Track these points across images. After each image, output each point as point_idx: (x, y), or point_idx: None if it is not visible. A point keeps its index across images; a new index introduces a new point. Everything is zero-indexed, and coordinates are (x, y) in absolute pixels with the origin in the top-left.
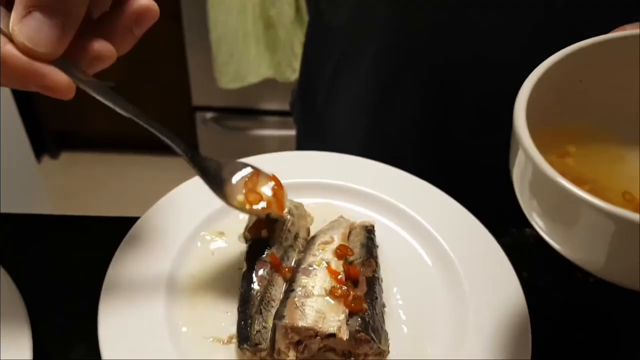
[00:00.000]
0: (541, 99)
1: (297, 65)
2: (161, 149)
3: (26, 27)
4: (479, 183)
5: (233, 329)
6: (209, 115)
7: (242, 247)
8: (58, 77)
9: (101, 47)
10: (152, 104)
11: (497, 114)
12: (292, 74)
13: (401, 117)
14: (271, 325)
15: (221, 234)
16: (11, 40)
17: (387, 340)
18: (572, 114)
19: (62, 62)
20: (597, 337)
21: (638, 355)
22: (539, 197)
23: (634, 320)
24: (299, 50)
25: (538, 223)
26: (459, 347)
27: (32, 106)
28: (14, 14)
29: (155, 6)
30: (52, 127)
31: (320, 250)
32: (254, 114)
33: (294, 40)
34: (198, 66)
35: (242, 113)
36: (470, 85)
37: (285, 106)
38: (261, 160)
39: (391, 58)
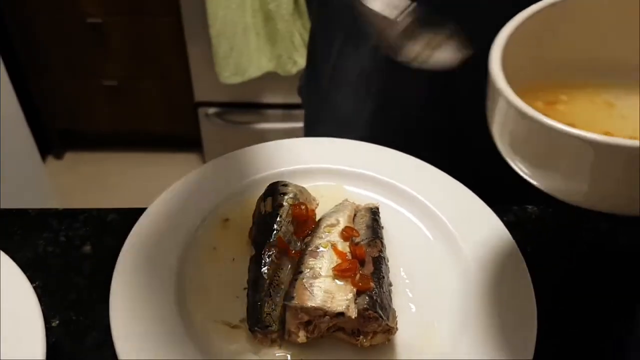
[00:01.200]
0: (520, 52)
1: (297, 57)
2: (165, 146)
3: None
4: (484, 162)
5: (243, 313)
6: (211, 110)
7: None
8: None
9: None
10: (155, 101)
11: None
12: (293, 66)
13: (407, 97)
14: (280, 307)
15: (226, 220)
16: None
17: (394, 317)
18: (553, 67)
19: None
20: (601, 307)
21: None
22: (521, 140)
23: (635, 292)
24: (299, 42)
25: (522, 166)
26: (465, 323)
27: (35, 106)
28: None
29: None
30: (56, 127)
31: (327, 233)
32: (256, 108)
33: (294, 33)
34: (199, 62)
35: (245, 107)
36: (481, 60)
37: (287, 99)
38: (265, 148)
39: None
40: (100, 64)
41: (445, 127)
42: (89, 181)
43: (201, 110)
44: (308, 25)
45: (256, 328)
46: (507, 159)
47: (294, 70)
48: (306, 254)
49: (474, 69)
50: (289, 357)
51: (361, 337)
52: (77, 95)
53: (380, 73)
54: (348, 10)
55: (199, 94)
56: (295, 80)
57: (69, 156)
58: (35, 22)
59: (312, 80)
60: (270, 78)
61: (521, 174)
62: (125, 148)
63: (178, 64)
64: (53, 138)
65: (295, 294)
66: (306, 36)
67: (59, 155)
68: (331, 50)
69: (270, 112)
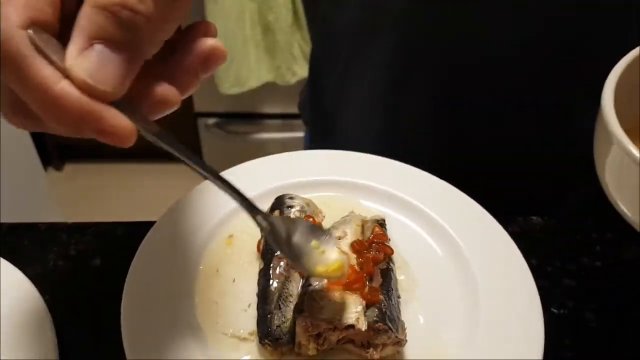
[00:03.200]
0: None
1: (297, 68)
2: (165, 157)
3: (87, 62)
4: (489, 175)
5: (252, 326)
6: (211, 121)
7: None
8: (119, 120)
9: (166, 90)
10: None
11: (510, 108)
12: (293, 77)
13: (414, 113)
14: (290, 320)
15: (231, 237)
16: (66, 77)
17: (404, 329)
18: None
19: (123, 103)
20: (607, 320)
21: None
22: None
23: None
24: (298, 53)
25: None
26: (473, 335)
27: None
28: (71, 47)
29: (222, 47)
30: (55, 139)
31: None
32: (256, 118)
33: (293, 44)
34: None
35: (244, 118)
36: (485, 78)
37: (287, 109)
38: (270, 161)
39: (403, 54)
40: None
41: (454, 141)
42: (89, 192)
43: (201, 121)
44: (307, 36)
45: (266, 340)
46: (614, 201)
47: (293, 80)
48: None
49: (485, 81)
50: None
51: (371, 349)
52: None
53: (389, 87)
54: (352, 36)
55: (199, 105)
56: (295, 91)
57: (69, 167)
58: None
59: (315, 99)
60: (269, 88)
61: (626, 217)
62: (124, 159)
63: None
64: (52, 149)
65: (305, 307)
66: (305, 47)
67: (58, 167)
68: (335, 73)
69: (270, 122)
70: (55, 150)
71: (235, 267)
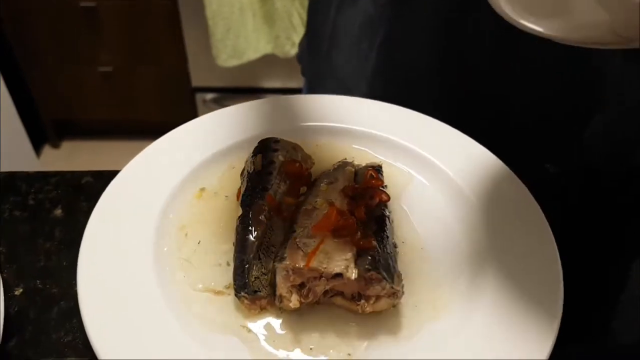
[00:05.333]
0: None
1: (296, 38)
2: (163, 134)
3: None
4: (494, 118)
5: (228, 280)
6: (209, 96)
7: (235, 193)
8: None
9: None
10: (152, 87)
11: (514, 43)
12: (292, 48)
13: (412, 44)
14: (271, 273)
15: (202, 190)
16: None
17: (400, 280)
18: None
19: None
20: (630, 268)
21: None
22: None
23: None
24: (297, 22)
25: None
26: (479, 292)
27: (29, 96)
28: None
29: None
30: (52, 117)
31: (323, 192)
32: (254, 93)
33: (292, 12)
34: (196, 47)
35: (243, 92)
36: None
37: (286, 84)
38: (258, 106)
39: None
40: (94, 49)
41: (452, 76)
42: (87, 169)
43: (199, 96)
44: (306, 3)
45: (243, 293)
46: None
47: (292, 51)
48: (300, 213)
49: (483, 13)
50: (279, 326)
51: (362, 301)
52: (71, 82)
53: (384, 21)
54: None
55: (196, 80)
56: (294, 64)
57: (66, 145)
58: (26, 6)
59: (312, 44)
60: (268, 62)
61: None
62: (122, 136)
63: (174, 48)
64: (49, 127)
65: (286, 254)
66: (305, 16)
67: (55, 145)
68: (330, 9)
69: (269, 97)
70: (51, 128)
71: (206, 224)
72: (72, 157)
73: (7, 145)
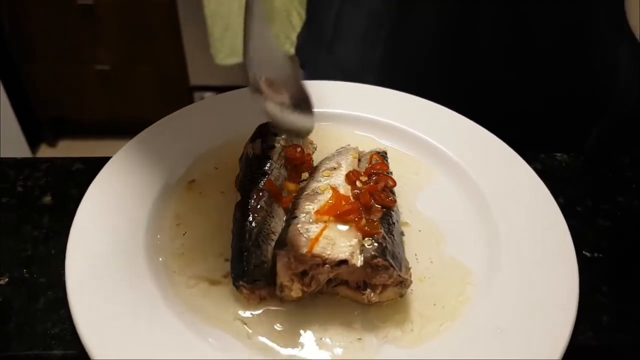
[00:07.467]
0: None
1: (295, 37)
2: None
3: None
4: (500, 107)
5: (225, 269)
6: (207, 94)
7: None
8: None
9: None
10: (149, 85)
11: (519, 32)
12: (291, 46)
13: (419, 34)
14: (271, 261)
15: (192, 182)
16: None
17: (408, 269)
18: None
19: None
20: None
21: None
22: None
23: None
24: (297, 21)
25: None
26: (494, 279)
27: (25, 96)
28: None
29: None
30: (48, 116)
31: (326, 177)
32: None
33: (291, 11)
34: (194, 46)
35: None
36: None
37: None
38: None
39: None
40: (91, 47)
41: (461, 66)
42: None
43: (197, 95)
44: (305, 2)
45: (241, 282)
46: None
47: (291, 50)
48: (302, 198)
49: (495, 2)
50: (279, 318)
51: (368, 290)
52: (68, 81)
53: (391, 12)
54: None
55: (194, 78)
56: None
57: (63, 144)
58: (23, 4)
59: (313, 35)
60: None
61: None
62: (119, 135)
63: (172, 46)
64: (45, 126)
65: (288, 241)
66: (304, 16)
67: (52, 143)
68: (333, 4)
69: None
70: (49, 127)
71: (198, 215)
72: (69, 155)
73: (3, 144)
